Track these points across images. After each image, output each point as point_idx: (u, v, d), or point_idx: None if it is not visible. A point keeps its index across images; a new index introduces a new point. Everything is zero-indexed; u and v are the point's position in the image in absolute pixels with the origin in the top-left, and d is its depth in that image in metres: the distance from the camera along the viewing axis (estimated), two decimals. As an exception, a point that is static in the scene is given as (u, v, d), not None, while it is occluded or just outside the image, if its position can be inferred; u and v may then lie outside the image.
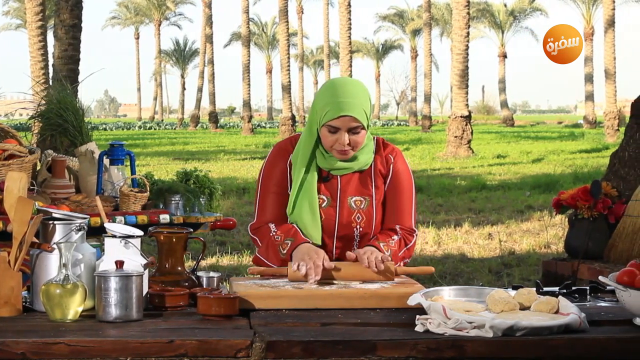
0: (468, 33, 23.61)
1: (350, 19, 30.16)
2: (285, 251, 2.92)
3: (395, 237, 3.01)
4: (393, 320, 2.43)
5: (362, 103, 2.92)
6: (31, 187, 4.24)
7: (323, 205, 3.01)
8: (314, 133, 3.00)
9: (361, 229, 3.02)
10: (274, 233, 2.98)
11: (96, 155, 4.60)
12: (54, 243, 2.52)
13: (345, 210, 3.02)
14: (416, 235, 3.10)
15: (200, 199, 4.61)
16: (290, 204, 3.02)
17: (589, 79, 45.90)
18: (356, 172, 3.04)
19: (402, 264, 3.03)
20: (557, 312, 2.41)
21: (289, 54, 37.59)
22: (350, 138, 2.92)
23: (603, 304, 2.68)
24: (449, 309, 2.30)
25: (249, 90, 41.09)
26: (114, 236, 2.58)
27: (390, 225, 3.06)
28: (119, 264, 2.47)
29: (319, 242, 2.99)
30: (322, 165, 3.02)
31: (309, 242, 2.94)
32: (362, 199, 3.03)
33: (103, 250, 2.62)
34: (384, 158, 3.07)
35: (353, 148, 2.95)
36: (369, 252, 2.86)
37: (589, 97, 46.32)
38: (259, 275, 2.93)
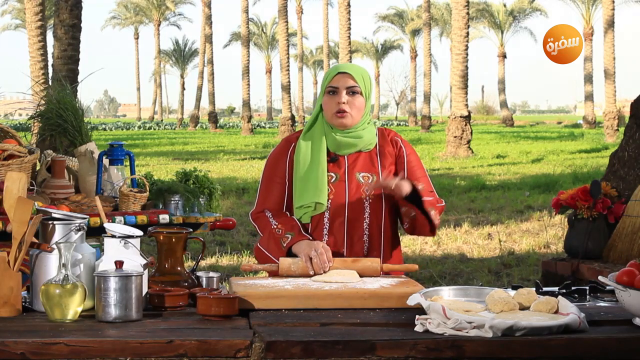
0: (468, 33, 23.61)
1: (349, 19, 30.15)
2: (285, 244, 3.02)
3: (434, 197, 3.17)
4: (392, 320, 2.43)
5: (360, 70, 3.14)
6: (30, 187, 4.23)
7: (332, 181, 3.13)
8: (317, 110, 3.19)
9: (371, 201, 3.12)
10: (275, 226, 3.09)
11: (96, 156, 4.60)
12: (54, 243, 2.52)
13: (354, 183, 3.14)
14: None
15: (200, 199, 4.61)
16: (298, 179, 3.11)
17: (588, 79, 45.90)
18: (362, 152, 3.17)
19: (437, 219, 3.13)
20: (556, 312, 2.41)
21: (288, 54, 37.60)
22: (347, 99, 3.09)
23: (602, 304, 2.67)
24: (449, 309, 2.30)
25: (249, 91, 41.10)
26: (114, 236, 2.58)
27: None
28: (119, 264, 2.47)
29: (325, 205, 3.09)
30: (329, 143, 3.16)
31: (309, 239, 3.02)
32: (369, 175, 3.15)
33: (102, 251, 2.62)
34: (390, 141, 3.23)
35: (352, 112, 3.10)
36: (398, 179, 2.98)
37: (589, 97, 46.33)
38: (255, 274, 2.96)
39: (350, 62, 30.68)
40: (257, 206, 3.21)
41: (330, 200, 3.10)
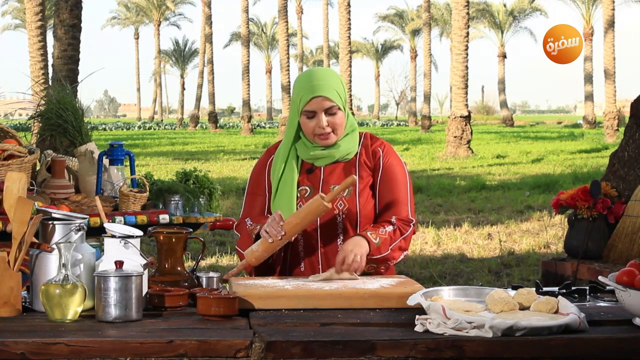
0: (468, 33, 23.62)
1: (349, 19, 30.17)
2: (254, 235, 3.01)
3: (390, 228, 2.99)
4: (392, 320, 2.43)
5: (333, 85, 3.00)
6: (31, 187, 4.24)
7: (306, 195, 3.06)
8: (294, 125, 3.08)
9: (344, 216, 3.04)
10: (250, 225, 3.08)
11: (96, 156, 4.60)
12: (54, 243, 2.52)
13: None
14: (413, 224, 3.07)
15: (200, 199, 4.61)
16: (273, 197, 3.09)
17: (588, 79, 45.91)
18: (340, 161, 3.08)
19: (402, 256, 3.02)
20: (556, 312, 2.41)
21: (288, 54, 37.62)
22: (328, 120, 3.00)
23: (602, 304, 2.67)
24: (449, 309, 2.30)
25: (249, 91, 41.13)
26: (114, 236, 2.58)
27: (387, 217, 3.04)
28: (119, 264, 2.47)
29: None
30: (305, 157, 3.08)
31: None
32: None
33: (102, 251, 2.62)
34: (371, 151, 3.10)
35: (334, 131, 3.02)
36: (345, 253, 2.86)
37: (589, 97, 46.33)
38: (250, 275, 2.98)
39: (350, 62, 30.73)
40: (240, 217, 3.19)
41: None
